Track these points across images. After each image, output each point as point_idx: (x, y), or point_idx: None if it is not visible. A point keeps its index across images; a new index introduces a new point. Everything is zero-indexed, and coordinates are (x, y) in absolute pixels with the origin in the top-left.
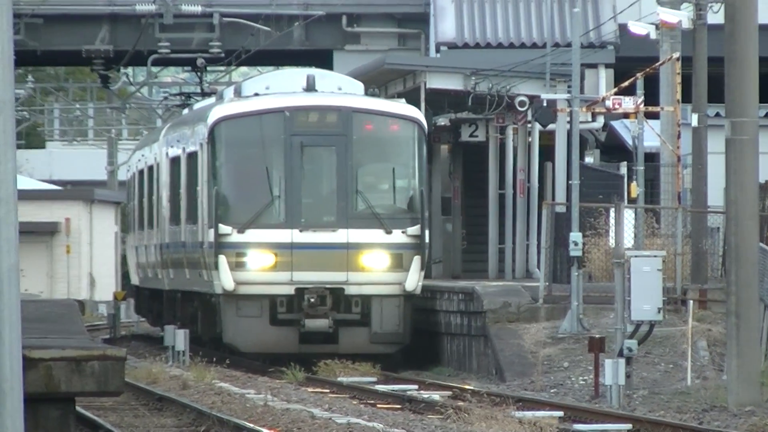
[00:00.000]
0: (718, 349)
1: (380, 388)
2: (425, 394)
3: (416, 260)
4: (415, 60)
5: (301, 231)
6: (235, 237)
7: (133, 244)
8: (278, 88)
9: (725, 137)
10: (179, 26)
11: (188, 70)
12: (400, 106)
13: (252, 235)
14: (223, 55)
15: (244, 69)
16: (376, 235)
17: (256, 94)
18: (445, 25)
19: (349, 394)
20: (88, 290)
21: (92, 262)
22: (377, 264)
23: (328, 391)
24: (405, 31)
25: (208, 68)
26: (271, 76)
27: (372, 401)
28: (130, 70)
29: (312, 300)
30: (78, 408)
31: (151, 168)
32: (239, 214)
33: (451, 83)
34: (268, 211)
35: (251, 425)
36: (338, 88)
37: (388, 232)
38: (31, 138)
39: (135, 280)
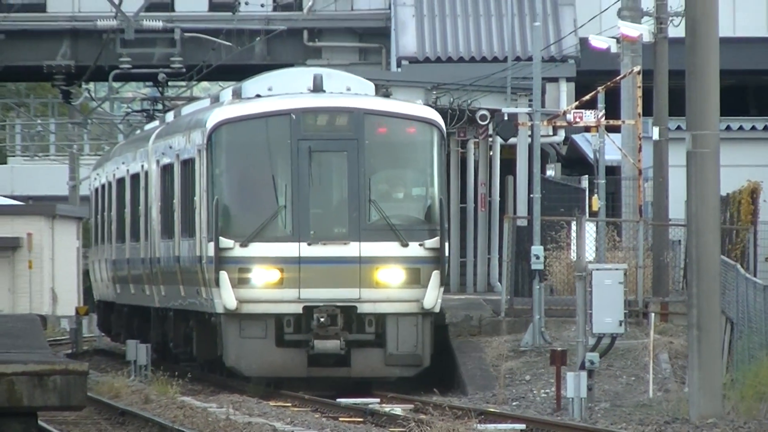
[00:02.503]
0: (680, 361)
1: (342, 401)
2: (387, 408)
3: (435, 275)
4: (376, 74)
5: (309, 244)
6: (238, 251)
7: (106, 258)
8: (282, 88)
9: (686, 150)
10: (140, 41)
11: (149, 85)
12: (417, 108)
13: (256, 249)
14: (184, 70)
15: (205, 84)
16: (391, 248)
17: (258, 96)
18: (406, 40)
19: (311, 408)
20: (50, 305)
21: (54, 277)
22: (393, 280)
23: (290, 404)
24: (366, 45)
25: (170, 83)
26: (273, 75)
27: (334, 415)
28: (91, 85)
29: (322, 319)
30: (40, 422)
31: (135, 177)
32: (242, 227)
33: (413, 97)
34: (274, 223)
35: None
36: (347, 89)
37: (405, 245)
38: None
39: (109, 295)
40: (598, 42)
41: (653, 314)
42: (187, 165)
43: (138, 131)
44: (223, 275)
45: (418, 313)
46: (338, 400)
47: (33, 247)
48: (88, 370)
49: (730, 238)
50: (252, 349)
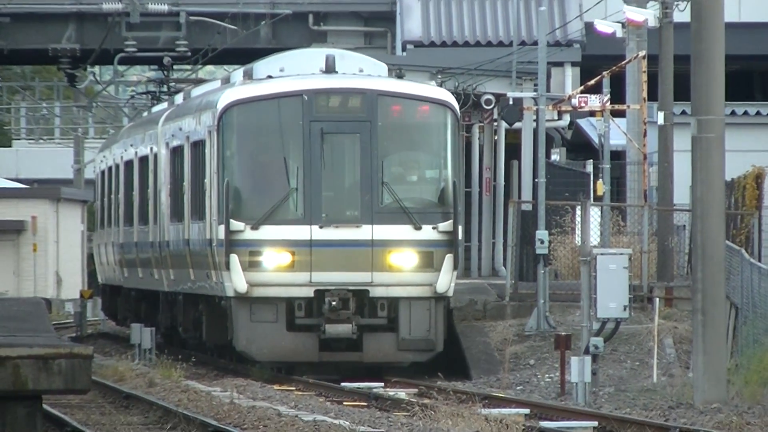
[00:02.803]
0: (685, 346)
1: (346, 385)
2: (391, 392)
3: (448, 259)
4: (381, 58)
5: (321, 227)
6: (249, 234)
7: (113, 241)
8: (294, 69)
9: (691, 135)
10: (146, 25)
11: (155, 68)
12: (431, 89)
13: (267, 231)
14: (189, 53)
15: (210, 68)
16: (404, 231)
17: (270, 77)
18: (412, 24)
19: (315, 392)
20: (54, 288)
21: (59, 260)
22: (405, 263)
23: (294, 388)
24: (372, 29)
25: (174, 67)
26: (285, 56)
27: (338, 399)
28: (96, 68)
29: (333, 303)
30: (45, 406)
31: (143, 160)
32: (253, 209)
33: (418, 81)
34: (285, 206)
35: (217, 423)
36: (360, 70)
37: (418, 228)
38: None
39: (115, 279)
40: (604, 27)
41: (658, 299)
42: (198, 147)
43: (145, 113)
44: (234, 258)
45: (431, 297)
46: (342, 384)
47: (37, 231)
48: (93, 354)
49: (734, 223)
50: (263, 333)
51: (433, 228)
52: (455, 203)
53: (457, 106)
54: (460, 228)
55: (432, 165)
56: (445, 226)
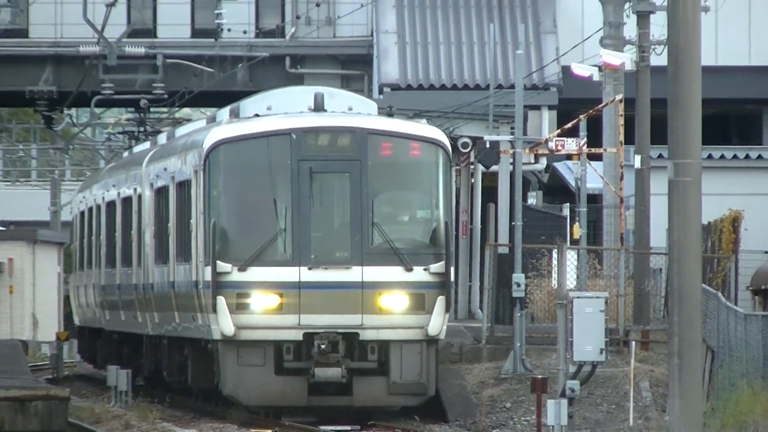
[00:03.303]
0: (661, 389)
1: (324, 429)
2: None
3: (440, 301)
4: None
5: (310, 269)
6: (236, 275)
7: (94, 283)
8: (282, 108)
9: (668, 179)
10: (123, 68)
11: (131, 111)
12: (422, 127)
13: (255, 273)
14: (166, 96)
15: (186, 110)
16: (394, 272)
17: (257, 115)
18: (389, 66)
19: None
20: (31, 330)
21: (35, 302)
22: (396, 305)
23: (270, 431)
24: (348, 72)
25: (151, 109)
26: (273, 94)
27: None
28: (73, 111)
29: (323, 346)
30: None
31: (126, 201)
32: (240, 250)
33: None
34: (273, 247)
35: None
36: (349, 108)
37: (409, 270)
38: None
39: (95, 322)
40: (581, 70)
41: (634, 342)
42: (183, 187)
43: (125, 154)
44: (221, 300)
45: (422, 340)
46: (320, 427)
47: (14, 272)
48: (70, 396)
49: (711, 266)
50: (250, 377)
51: (425, 269)
52: (447, 244)
53: (449, 145)
54: (452, 269)
55: (423, 205)
56: (437, 267)
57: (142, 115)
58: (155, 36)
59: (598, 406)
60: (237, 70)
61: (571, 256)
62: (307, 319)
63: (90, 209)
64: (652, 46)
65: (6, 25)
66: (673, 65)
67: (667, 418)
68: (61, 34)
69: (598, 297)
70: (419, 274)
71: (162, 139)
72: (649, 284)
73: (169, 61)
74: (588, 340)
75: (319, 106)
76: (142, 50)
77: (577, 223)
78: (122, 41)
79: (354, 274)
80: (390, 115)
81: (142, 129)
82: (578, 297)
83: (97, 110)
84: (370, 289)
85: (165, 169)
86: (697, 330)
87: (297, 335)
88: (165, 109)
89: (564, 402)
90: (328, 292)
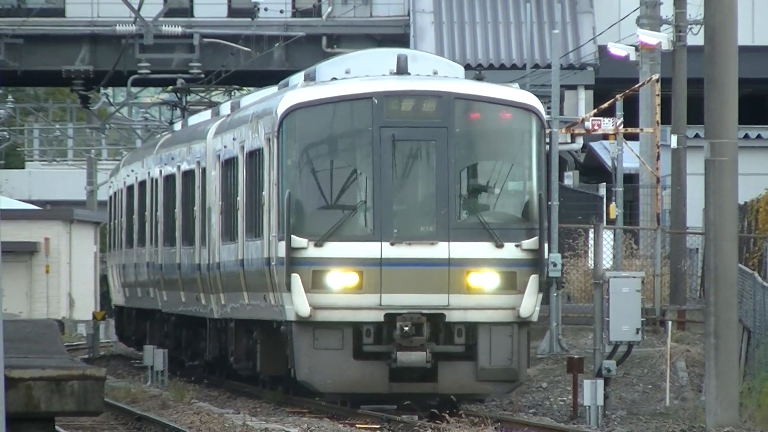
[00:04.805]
0: (697, 369)
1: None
2: (404, 415)
3: (533, 280)
4: None
5: (392, 244)
6: (312, 251)
7: (148, 261)
8: (361, 71)
9: (704, 158)
10: (159, 47)
11: (168, 90)
12: (514, 92)
13: (332, 249)
14: (203, 75)
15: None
16: (484, 249)
17: (334, 79)
18: (425, 46)
19: (327, 414)
20: (67, 310)
21: (71, 281)
22: (486, 284)
23: (306, 411)
24: None
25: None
26: (352, 57)
27: (350, 422)
28: (110, 90)
29: (406, 328)
30: (57, 427)
31: (187, 174)
32: (317, 224)
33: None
34: (353, 221)
35: None
36: (434, 72)
37: (499, 246)
38: (10, 158)
39: (151, 303)
40: (617, 50)
41: (670, 322)
42: (254, 157)
43: (177, 126)
44: (296, 278)
45: (513, 322)
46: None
47: (50, 252)
48: (106, 376)
49: (747, 246)
50: (327, 361)
51: (517, 246)
52: (541, 218)
53: (543, 111)
54: (546, 246)
55: (515, 176)
56: (530, 243)
57: (178, 95)
58: (192, 15)
59: (634, 386)
60: (273, 49)
61: (607, 236)
62: (388, 299)
63: (141, 184)
64: (689, 26)
65: (43, 4)
66: (710, 45)
67: (704, 398)
68: (97, 13)
69: (634, 277)
70: (510, 250)
71: (225, 109)
72: (685, 264)
73: (205, 40)
74: (624, 319)
75: (402, 69)
76: (178, 29)
77: (613, 202)
78: (159, 20)
79: (440, 250)
80: (479, 79)
81: (186, 102)
82: (614, 277)
83: (134, 90)
84: (458, 267)
85: (233, 139)
86: (733, 310)
87: (378, 316)
88: (201, 89)
89: (600, 382)
90: (412, 270)
